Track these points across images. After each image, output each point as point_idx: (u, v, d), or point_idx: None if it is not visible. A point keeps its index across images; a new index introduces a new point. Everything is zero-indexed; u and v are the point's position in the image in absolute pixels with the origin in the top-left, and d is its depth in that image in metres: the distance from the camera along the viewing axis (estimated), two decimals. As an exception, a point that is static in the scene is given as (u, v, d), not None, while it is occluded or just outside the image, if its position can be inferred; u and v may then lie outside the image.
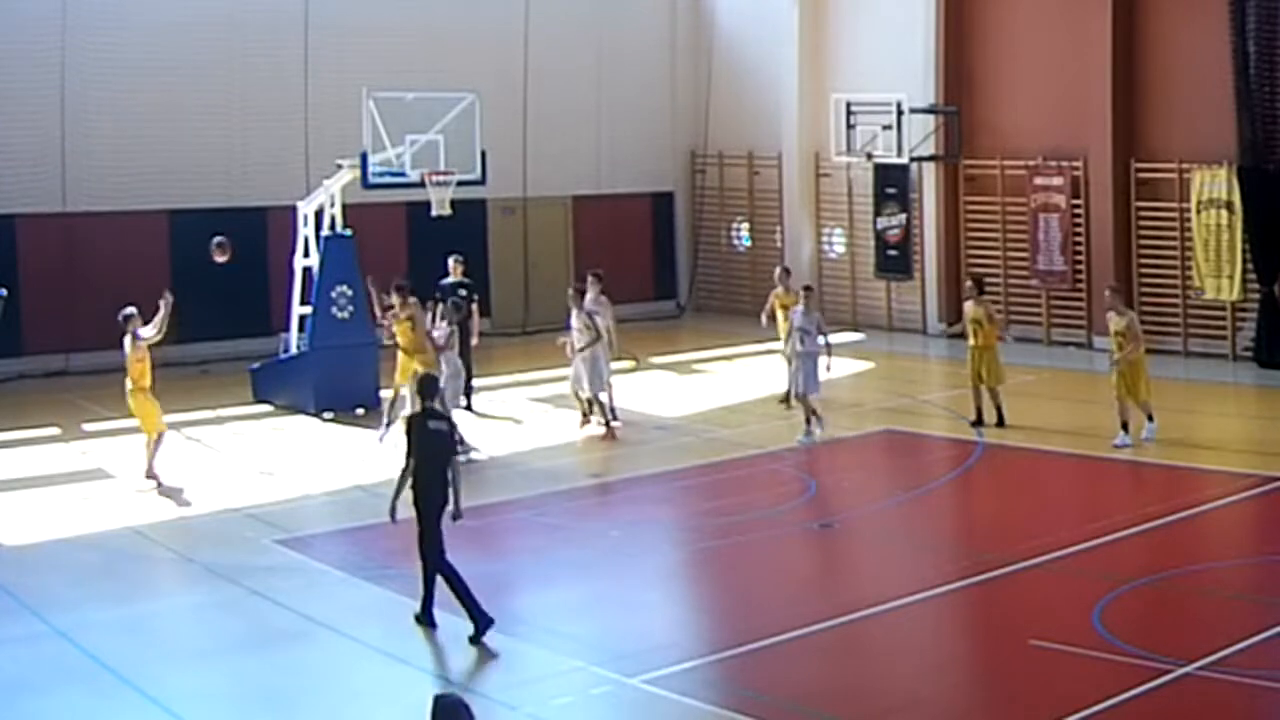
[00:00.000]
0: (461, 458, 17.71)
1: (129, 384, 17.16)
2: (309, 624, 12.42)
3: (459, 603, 11.92)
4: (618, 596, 13.53)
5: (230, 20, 25.80)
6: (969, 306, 19.34)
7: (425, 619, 12.19)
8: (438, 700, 6.65)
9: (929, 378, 25.35)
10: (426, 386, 12.81)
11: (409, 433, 12.36)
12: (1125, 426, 17.66)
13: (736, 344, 26.58)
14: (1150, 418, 17.84)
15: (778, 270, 22.20)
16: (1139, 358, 17.96)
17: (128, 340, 17.21)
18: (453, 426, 12.62)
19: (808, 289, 19.84)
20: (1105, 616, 11.85)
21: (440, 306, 18.82)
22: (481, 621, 11.86)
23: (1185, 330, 24.44)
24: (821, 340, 18.78)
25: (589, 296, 19.88)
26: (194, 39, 25.38)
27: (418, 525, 12.08)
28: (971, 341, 19.15)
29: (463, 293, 20.99)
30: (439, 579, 12.07)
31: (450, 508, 12.08)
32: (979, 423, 19.02)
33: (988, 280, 26.92)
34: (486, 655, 11.71)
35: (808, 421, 18.68)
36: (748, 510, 16.01)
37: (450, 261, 21.55)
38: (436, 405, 12.72)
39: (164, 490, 16.81)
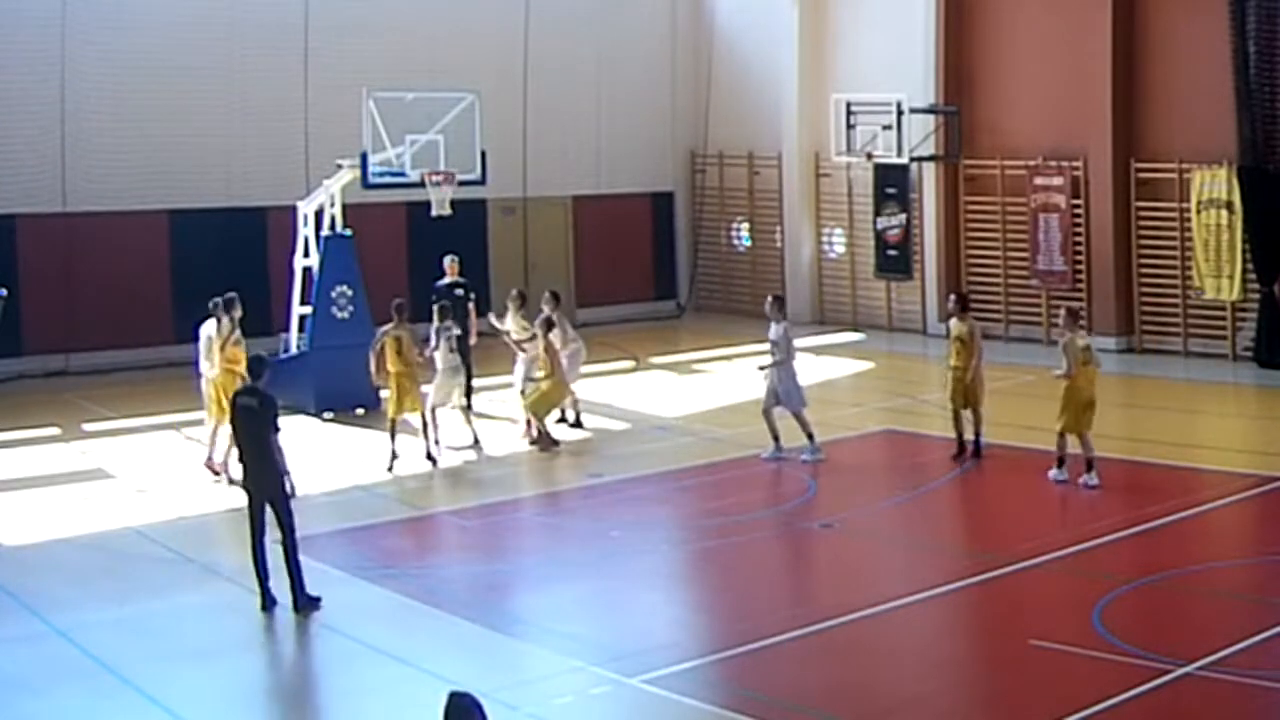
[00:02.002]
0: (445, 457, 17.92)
1: (214, 370, 17.12)
2: (309, 624, 12.42)
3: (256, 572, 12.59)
4: (618, 596, 13.53)
5: (230, 20, 25.81)
6: (953, 323, 17.96)
7: (298, 603, 12.49)
8: (452, 698, 6.62)
9: (929, 378, 25.28)
10: (253, 366, 13.11)
11: (230, 410, 13.09)
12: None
13: (736, 344, 26.56)
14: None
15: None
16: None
17: (225, 328, 17.23)
18: (265, 403, 12.67)
19: (778, 299, 18.52)
20: (1105, 616, 11.85)
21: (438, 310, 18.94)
22: (267, 600, 12.49)
23: (1185, 330, 24.44)
24: (787, 354, 17.84)
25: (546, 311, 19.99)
26: (194, 39, 25.40)
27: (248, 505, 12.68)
28: (953, 361, 17.69)
29: (459, 292, 21.05)
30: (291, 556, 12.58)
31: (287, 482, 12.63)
32: (961, 454, 17.68)
33: (988, 280, 27.13)
34: (474, 653, 11.74)
35: (810, 438, 17.84)
36: (748, 510, 16.01)
37: (446, 261, 21.53)
38: (259, 384, 12.91)
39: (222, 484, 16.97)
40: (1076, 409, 16.29)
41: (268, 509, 12.59)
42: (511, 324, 19.85)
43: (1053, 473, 16.49)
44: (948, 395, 17.85)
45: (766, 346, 18.46)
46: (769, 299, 18.49)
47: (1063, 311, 17.12)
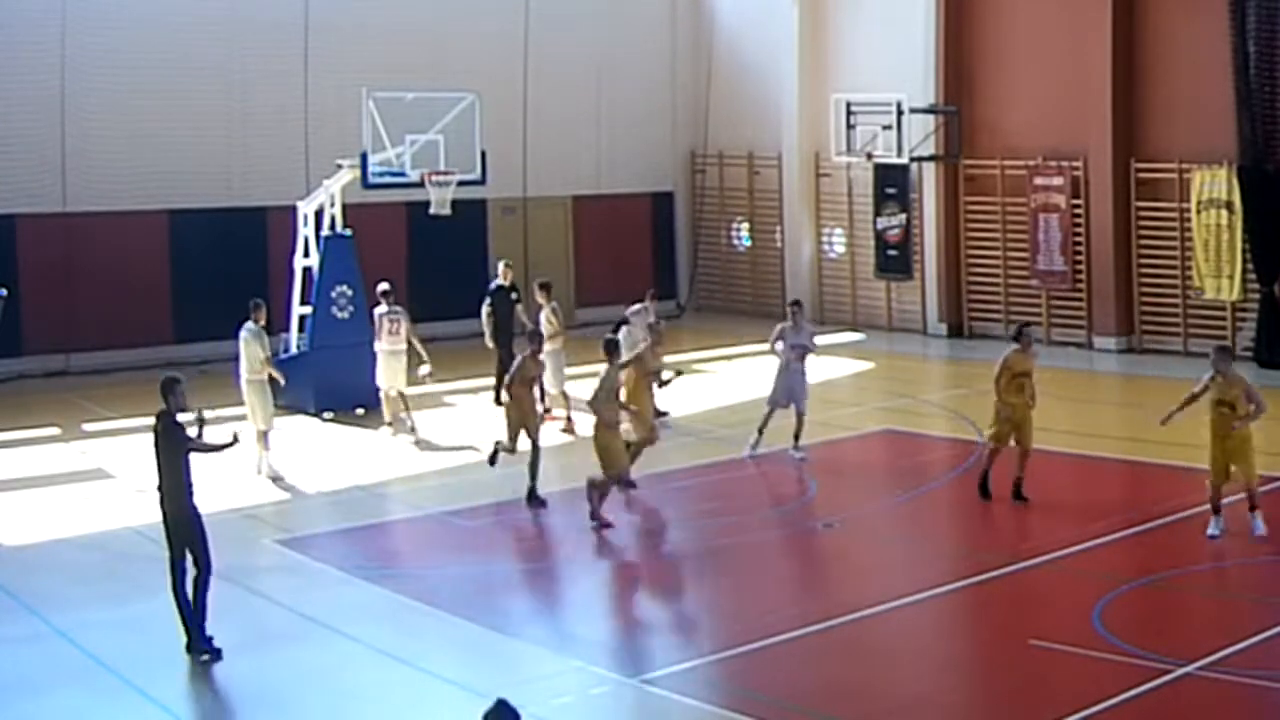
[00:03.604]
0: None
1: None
2: (309, 624, 12.43)
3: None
4: (618, 596, 13.53)
5: (230, 20, 25.80)
6: (1015, 356, 15.59)
7: (193, 644, 11.78)
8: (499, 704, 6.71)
9: (929, 378, 25.37)
10: (161, 390, 12.54)
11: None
12: None
13: (736, 344, 26.57)
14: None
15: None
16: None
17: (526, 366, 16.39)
18: (167, 428, 12.28)
19: (797, 304, 18.74)
20: (1105, 616, 11.86)
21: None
22: (196, 642, 11.72)
23: (1185, 330, 24.44)
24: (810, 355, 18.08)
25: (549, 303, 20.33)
26: (194, 39, 25.40)
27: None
28: (1012, 398, 15.53)
29: (513, 296, 21.36)
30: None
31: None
32: (985, 491, 15.91)
33: (988, 280, 27.13)
34: (474, 653, 11.74)
35: (796, 437, 17.87)
36: (748, 510, 16.01)
37: (500, 266, 21.98)
38: (168, 406, 12.44)
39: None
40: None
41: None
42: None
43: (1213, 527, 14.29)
44: (994, 435, 15.79)
45: (765, 346, 18.51)
46: (791, 305, 18.84)
47: (1219, 350, 14.55)
